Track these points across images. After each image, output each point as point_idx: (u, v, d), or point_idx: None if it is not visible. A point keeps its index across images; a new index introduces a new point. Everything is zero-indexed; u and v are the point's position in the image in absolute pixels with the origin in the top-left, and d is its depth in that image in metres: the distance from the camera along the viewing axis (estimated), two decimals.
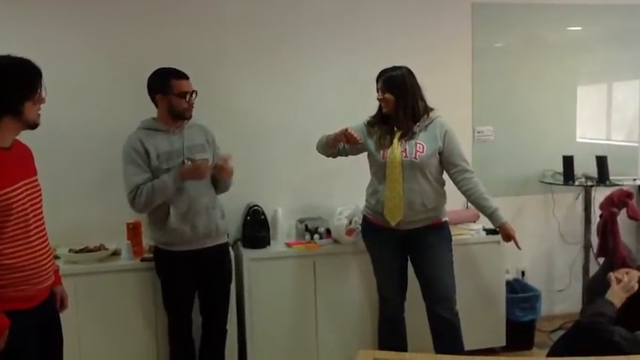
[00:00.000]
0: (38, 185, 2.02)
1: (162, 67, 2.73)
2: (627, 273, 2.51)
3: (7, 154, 1.90)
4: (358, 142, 2.75)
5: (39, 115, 1.95)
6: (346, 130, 2.72)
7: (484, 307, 3.39)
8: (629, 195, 3.38)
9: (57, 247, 2.99)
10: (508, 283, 3.54)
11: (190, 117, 2.75)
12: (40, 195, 2.02)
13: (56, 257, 2.94)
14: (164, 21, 3.29)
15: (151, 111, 2.77)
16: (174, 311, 2.80)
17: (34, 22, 3.12)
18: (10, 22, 3.09)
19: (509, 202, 3.61)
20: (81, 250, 3.02)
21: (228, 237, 2.99)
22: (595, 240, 3.57)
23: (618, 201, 3.34)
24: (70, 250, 3.01)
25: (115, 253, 3.07)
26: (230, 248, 3.15)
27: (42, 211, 2.01)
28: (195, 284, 2.81)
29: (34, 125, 1.94)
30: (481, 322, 3.34)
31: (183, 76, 2.70)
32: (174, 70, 2.71)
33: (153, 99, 2.72)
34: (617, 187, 3.54)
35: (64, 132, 3.10)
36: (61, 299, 2.20)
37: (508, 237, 2.79)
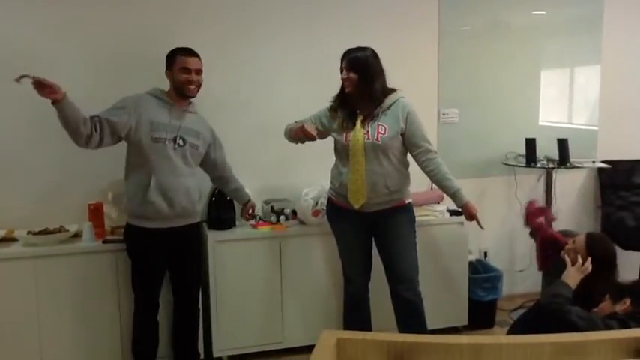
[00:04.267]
0: None
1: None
2: (574, 241, 2.60)
3: None
4: (315, 138, 2.75)
5: None
6: (302, 127, 2.73)
7: (447, 288, 3.45)
8: (533, 206, 3.23)
9: (15, 229, 2.95)
10: (471, 264, 3.61)
11: (192, 95, 2.78)
12: None
13: (13, 239, 2.91)
14: (136, 4, 3.22)
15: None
16: (143, 290, 2.79)
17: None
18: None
19: (473, 184, 3.68)
20: (40, 232, 2.95)
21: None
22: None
23: (538, 212, 3.20)
24: (29, 232, 2.93)
25: (76, 235, 3.00)
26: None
27: None
28: (165, 263, 2.80)
29: None
30: (444, 302, 3.41)
31: (190, 53, 2.76)
32: (186, 47, 2.78)
33: (167, 75, 2.79)
34: (527, 202, 3.40)
35: (24, 108, 2.98)
36: None
37: (471, 216, 2.83)
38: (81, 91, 2.95)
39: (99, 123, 2.58)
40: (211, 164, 2.94)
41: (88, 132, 2.53)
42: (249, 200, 3.10)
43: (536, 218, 3.10)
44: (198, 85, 2.78)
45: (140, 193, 2.67)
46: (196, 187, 2.80)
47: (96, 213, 3.01)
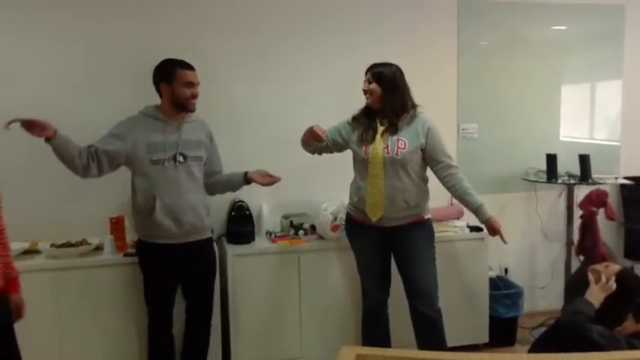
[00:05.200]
0: None
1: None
2: (607, 266, 2.55)
3: None
4: (322, 139, 2.76)
5: None
6: (311, 128, 2.74)
7: (467, 304, 3.41)
8: (606, 195, 3.43)
9: (38, 241, 2.99)
10: (491, 280, 3.57)
11: (194, 109, 2.74)
12: None
13: (37, 252, 2.95)
14: (160, 18, 3.29)
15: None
16: (155, 305, 2.79)
17: (35, 17, 3.11)
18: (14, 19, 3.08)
19: (493, 200, 3.63)
20: (63, 245, 2.99)
21: (212, 232, 2.98)
22: (577, 237, 3.61)
23: (597, 200, 3.39)
24: (52, 245, 2.98)
25: (98, 248, 3.04)
26: (215, 243, 3.15)
27: None
28: (177, 278, 2.79)
29: None
30: (464, 319, 3.37)
31: (189, 67, 2.71)
32: (181, 60, 2.71)
33: (158, 88, 2.72)
34: (595, 187, 3.58)
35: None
36: (17, 308, 2.14)
37: (494, 231, 2.81)
38: (93, 107, 3.04)
39: (95, 154, 2.59)
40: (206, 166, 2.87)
41: (84, 163, 2.55)
42: (246, 172, 2.88)
43: (591, 206, 3.10)
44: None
45: (147, 215, 2.65)
46: (202, 203, 2.77)
47: (117, 226, 3.04)
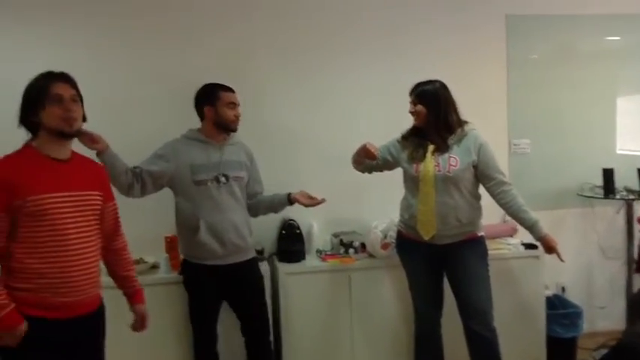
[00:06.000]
0: (92, 200, 2.04)
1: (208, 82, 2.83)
2: None
3: (58, 165, 1.97)
4: (375, 156, 2.76)
5: (66, 121, 1.94)
6: (364, 145, 2.75)
7: (523, 324, 3.32)
8: None
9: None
10: (548, 299, 3.46)
11: (236, 129, 2.81)
12: (93, 210, 2.04)
13: None
14: (207, 38, 3.39)
15: (191, 126, 2.85)
16: (199, 324, 2.83)
17: (77, 40, 3.26)
18: (57, 39, 3.24)
19: (547, 216, 3.50)
20: None
21: (262, 251, 3.01)
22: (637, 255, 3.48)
23: None
24: None
25: (154, 267, 3.12)
26: (266, 262, 3.19)
27: (91, 225, 2.03)
28: (221, 298, 2.83)
29: (59, 133, 1.95)
30: (521, 339, 3.27)
31: (231, 89, 2.80)
32: (222, 83, 2.81)
33: (200, 111, 2.80)
34: None
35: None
36: (141, 318, 2.28)
37: (550, 249, 2.74)
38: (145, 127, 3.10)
39: (140, 174, 2.67)
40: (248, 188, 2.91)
41: (129, 182, 2.63)
42: (289, 193, 2.92)
43: None
44: None
45: (191, 236, 2.71)
46: (245, 222, 2.80)
47: (172, 245, 3.11)
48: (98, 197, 2.08)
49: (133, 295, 2.30)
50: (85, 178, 2.05)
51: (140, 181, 2.68)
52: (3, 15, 3.20)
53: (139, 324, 2.30)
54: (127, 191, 2.66)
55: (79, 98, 2.03)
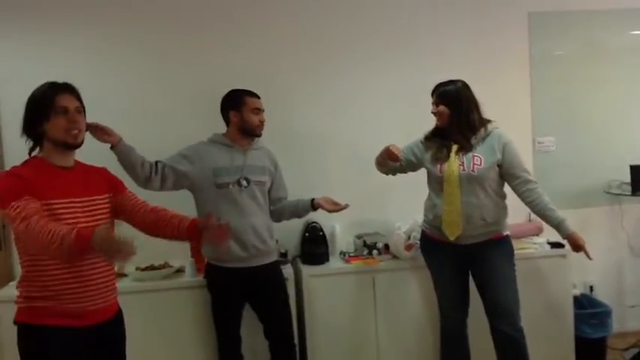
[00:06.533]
0: (101, 205, 2.06)
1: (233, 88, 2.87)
2: None
3: (65, 172, 1.99)
4: (399, 158, 2.75)
5: (70, 133, 1.96)
6: (387, 147, 2.74)
7: (551, 324, 3.28)
8: None
9: (125, 265, 3.13)
10: (575, 299, 3.41)
11: (260, 135, 2.85)
12: (103, 214, 2.06)
13: (124, 275, 3.09)
14: (230, 46, 3.43)
15: (217, 131, 2.88)
16: (222, 326, 2.84)
17: (104, 47, 3.32)
18: (74, 48, 3.31)
19: (574, 215, 3.44)
20: (147, 268, 3.13)
21: (282, 255, 3.02)
22: None
23: None
24: (137, 268, 3.12)
25: (180, 271, 3.15)
26: (290, 264, 3.20)
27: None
28: (243, 300, 2.84)
29: (64, 144, 1.97)
30: (548, 339, 3.23)
31: (256, 95, 2.85)
32: (247, 89, 2.85)
33: (225, 116, 2.84)
34: None
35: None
36: (216, 227, 2.14)
37: (578, 247, 2.70)
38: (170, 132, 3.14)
39: (162, 168, 2.69)
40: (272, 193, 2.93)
41: (146, 174, 2.64)
42: (313, 198, 2.93)
43: None
44: None
45: None
46: (266, 226, 2.81)
47: (197, 249, 3.12)
48: (106, 200, 2.09)
49: (190, 223, 2.15)
50: (91, 183, 2.06)
51: (160, 174, 2.69)
52: (23, 25, 3.28)
53: (217, 229, 2.14)
54: (145, 183, 2.67)
55: (82, 109, 2.04)
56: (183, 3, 3.40)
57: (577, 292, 3.52)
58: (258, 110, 2.81)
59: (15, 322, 1.97)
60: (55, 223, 1.74)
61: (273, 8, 3.46)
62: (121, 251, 1.61)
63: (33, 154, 2.03)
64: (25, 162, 2.00)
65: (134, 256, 1.66)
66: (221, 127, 2.87)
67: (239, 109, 2.79)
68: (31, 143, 2.02)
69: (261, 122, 2.82)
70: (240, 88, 2.86)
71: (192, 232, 2.12)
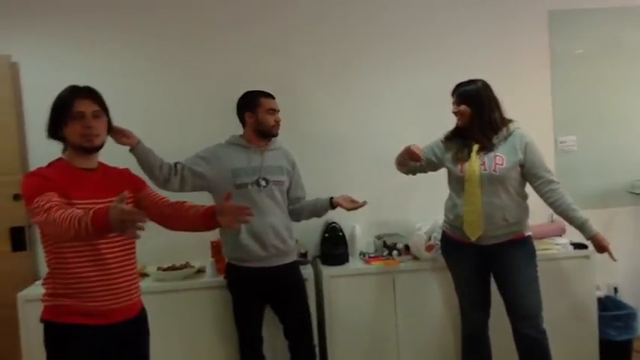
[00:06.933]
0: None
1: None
2: None
3: (88, 174, 2.04)
4: (420, 158, 2.74)
5: (86, 137, 2.00)
6: (408, 147, 2.73)
7: (574, 326, 3.23)
8: None
9: (147, 265, 3.16)
10: (599, 300, 3.36)
11: (277, 134, 2.86)
12: None
13: (146, 275, 3.12)
14: (245, 47, 3.45)
15: (235, 132, 2.89)
16: (243, 326, 2.85)
17: (118, 51, 3.38)
18: (95, 52, 3.36)
19: (597, 215, 3.40)
20: (168, 268, 3.15)
21: (302, 255, 3.02)
22: None
23: None
24: (159, 268, 3.14)
25: (200, 271, 3.17)
26: (309, 265, 3.21)
27: None
28: (264, 300, 2.85)
29: (81, 148, 2.01)
30: (572, 342, 3.19)
31: (271, 96, 2.85)
32: (262, 90, 2.86)
33: (241, 118, 2.85)
34: None
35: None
36: (233, 208, 2.11)
37: (602, 248, 2.66)
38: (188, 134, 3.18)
39: (182, 169, 2.71)
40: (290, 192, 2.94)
41: (164, 176, 2.66)
42: (331, 197, 2.93)
43: None
44: None
45: (233, 239, 2.74)
46: (285, 226, 2.81)
47: (218, 249, 3.14)
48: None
49: (207, 210, 2.16)
50: (113, 184, 2.09)
51: (179, 176, 2.72)
52: (47, 31, 3.35)
53: (236, 210, 2.11)
54: (163, 185, 2.70)
55: (103, 112, 2.06)
56: (202, 6, 3.42)
57: (601, 293, 3.46)
58: (273, 110, 2.82)
59: (41, 320, 2.01)
60: (72, 209, 1.77)
61: (291, 9, 3.48)
62: (135, 220, 1.62)
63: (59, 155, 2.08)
64: (50, 163, 2.05)
65: (143, 230, 1.66)
66: (239, 129, 2.89)
67: (254, 110, 2.80)
68: (60, 145, 2.07)
69: (277, 122, 2.83)
70: (260, 89, 2.86)
71: (207, 217, 2.13)
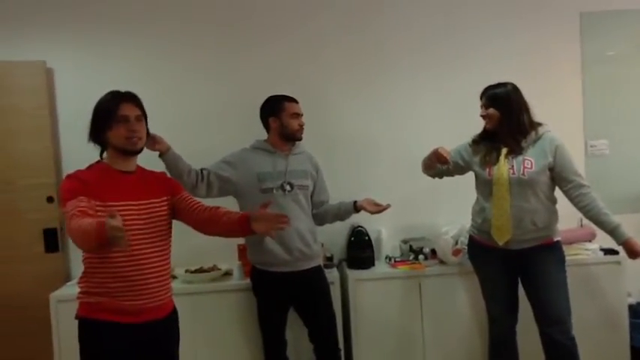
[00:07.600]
0: (160, 207, 2.16)
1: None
2: None
3: (125, 177, 2.10)
4: (448, 161, 2.72)
5: (130, 141, 2.07)
6: (436, 150, 2.72)
7: (604, 333, 3.18)
8: None
9: (175, 267, 3.20)
10: (630, 307, 3.30)
11: (301, 138, 2.87)
12: (161, 216, 2.15)
13: (174, 277, 3.16)
14: (271, 50, 3.48)
15: (259, 136, 2.92)
16: (267, 329, 2.87)
17: (147, 58, 3.45)
18: (124, 58, 3.43)
19: (628, 220, 3.30)
20: (196, 271, 3.19)
21: (327, 259, 3.04)
22: None
23: None
24: (187, 271, 3.19)
25: (227, 274, 3.21)
26: (335, 269, 3.21)
27: (160, 231, 2.14)
28: (288, 305, 2.86)
29: (124, 151, 2.08)
30: (602, 349, 3.14)
31: (295, 100, 2.87)
32: (285, 95, 2.88)
33: (265, 122, 2.88)
34: None
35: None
36: (270, 216, 2.18)
37: (634, 254, 2.61)
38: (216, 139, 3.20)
39: (208, 175, 2.73)
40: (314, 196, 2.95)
41: (192, 182, 2.67)
42: (355, 201, 2.91)
43: None
44: None
45: (258, 243, 2.76)
46: (309, 230, 2.82)
47: (245, 253, 3.15)
48: (164, 203, 2.18)
49: (242, 217, 2.21)
50: (150, 186, 2.16)
51: (206, 181, 2.74)
52: (79, 37, 3.42)
53: (273, 218, 2.18)
54: (191, 191, 2.70)
55: (143, 117, 2.13)
56: (232, 15, 3.47)
57: (632, 300, 3.40)
58: (297, 115, 2.84)
59: (76, 317, 2.08)
60: (87, 219, 1.80)
61: (325, 18, 3.50)
62: (121, 237, 1.66)
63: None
64: (90, 166, 2.12)
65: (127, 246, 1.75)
66: (264, 133, 2.91)
67: (278, 114, 2.83)
68: (99, 148, 2.13)
69: (301, 126, 2.85)
70: (286, 94, 2.89)
71: (242, 224, 2.17)
